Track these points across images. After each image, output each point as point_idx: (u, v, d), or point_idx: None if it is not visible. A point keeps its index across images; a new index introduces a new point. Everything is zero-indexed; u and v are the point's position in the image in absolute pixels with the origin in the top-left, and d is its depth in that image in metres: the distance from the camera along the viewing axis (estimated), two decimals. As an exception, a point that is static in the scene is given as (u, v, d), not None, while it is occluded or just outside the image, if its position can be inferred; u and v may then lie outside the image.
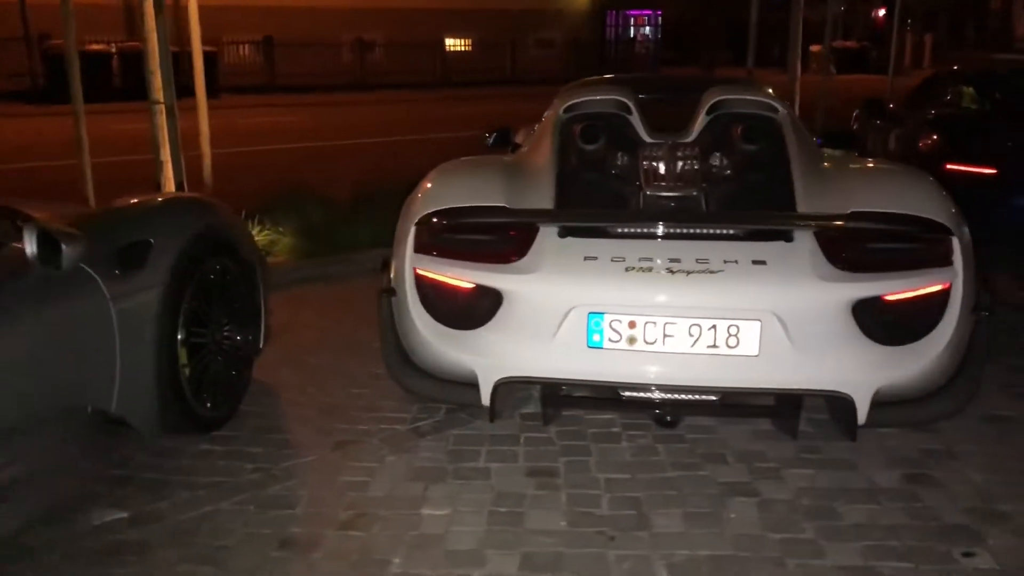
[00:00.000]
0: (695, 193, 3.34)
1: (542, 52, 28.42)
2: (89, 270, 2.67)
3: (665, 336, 2.80)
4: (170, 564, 2.53)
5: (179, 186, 5.58)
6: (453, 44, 26.97)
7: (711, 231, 2.89)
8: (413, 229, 3.12)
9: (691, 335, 2.79)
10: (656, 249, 2.86)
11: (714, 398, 2.86)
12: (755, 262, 2.80)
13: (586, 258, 2.86)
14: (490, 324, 2.96)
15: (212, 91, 20.16)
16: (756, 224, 2.91)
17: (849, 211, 2.97)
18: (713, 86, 4.21)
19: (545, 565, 2.53)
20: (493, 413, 3.01)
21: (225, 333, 3.40)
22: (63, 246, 2.46)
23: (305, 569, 2.52)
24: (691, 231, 2.90)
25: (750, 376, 2.79)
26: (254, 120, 15.43)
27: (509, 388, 3.03)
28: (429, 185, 3.37)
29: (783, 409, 2.94)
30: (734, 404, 2.96)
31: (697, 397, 2.86)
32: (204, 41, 21.34)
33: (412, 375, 3.14)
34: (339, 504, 2.85)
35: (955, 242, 2.93)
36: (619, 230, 2.94)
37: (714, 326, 2.78)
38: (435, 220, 3.08)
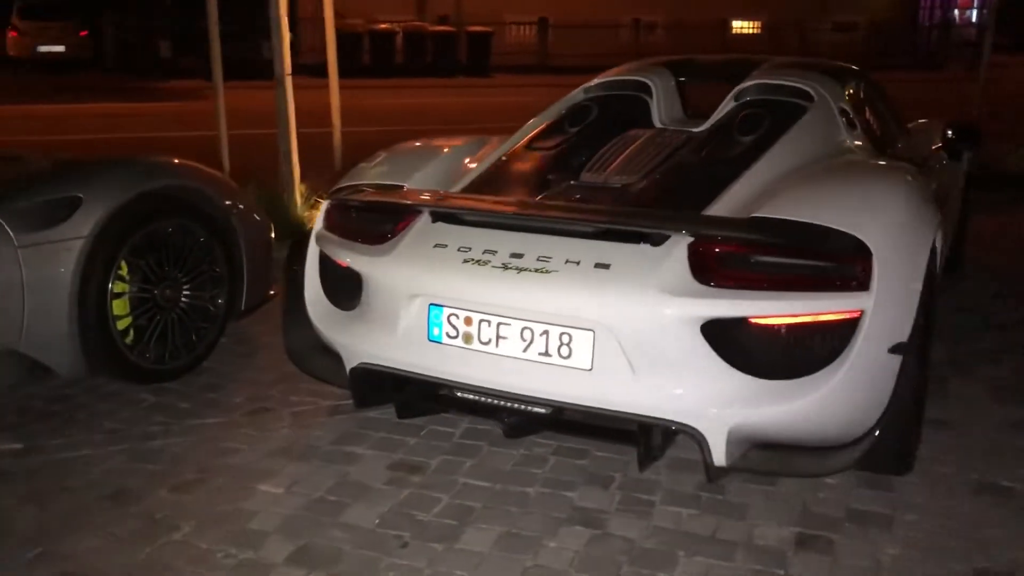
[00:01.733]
0: (619, 185, 2.98)
1: (840, 36, 26.45)
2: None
3: (499, 337, 2.54)
4: (7, 497, 2.73)
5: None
6: (740, 26, 25.96)
7: (571, 228, 2.56)
8: (325, 204, 3.09)
9: (523, 339, 2.51)
10: (506, 242, 2.59)
11: (543, 411, 2.55)
12: (598, 265, 2.45)
13: (435, 246, 2.67)
14: (357, 307, 2.87)
15: (483, 70, 21.32)
16: (607, 223, 2.53)
17: (750, 216, 2.51)
18: (764, 67, 3.76)
19: (316, 559, 2.42)
20: (357, 400, 2.90)
21: (185, 292, 3.57)
22: None
23: (104, 521, 2.60)
24: (553, 226, 2.59)
25: (582, 392, 2.45)
26: (513, 99, 15.78)
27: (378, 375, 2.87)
28: (367, 161, 3.32)
29: (627, 435, 2.54)
30: (571, 421, 2.61)
31: (527, 408, 2.56)
32: (483, 22, 22.46)
33: (298, 352, 3.12)
34: (193, 467, 2.92)
35: (875, 263, 2.37)
36: (487, 220, 2.70)
37: (546, 332, 2.48)
38: (339, 197, 3.03)
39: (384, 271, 2.72)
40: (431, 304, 2.63)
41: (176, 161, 3.68)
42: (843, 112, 3.50)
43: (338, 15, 21.72)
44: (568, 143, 3.42)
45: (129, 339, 3.38)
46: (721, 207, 2.63)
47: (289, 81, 5.98)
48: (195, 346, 3.64)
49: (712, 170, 2.94)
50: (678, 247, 2.43)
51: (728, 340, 2.38)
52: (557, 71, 21.89)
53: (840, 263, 2.38)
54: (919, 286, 2.51)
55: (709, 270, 2.40)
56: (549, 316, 2.46)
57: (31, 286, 3.02)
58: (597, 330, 2.41)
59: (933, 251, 2.68)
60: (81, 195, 3.19)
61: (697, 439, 2.39)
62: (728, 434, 2.37)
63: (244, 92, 10.75)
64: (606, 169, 3.10)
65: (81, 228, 3.16)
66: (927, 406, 3.14)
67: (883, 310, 2.36)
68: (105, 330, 3.26)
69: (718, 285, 2.37)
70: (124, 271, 3.34)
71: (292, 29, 21.94)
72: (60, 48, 20.18)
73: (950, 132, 4.49)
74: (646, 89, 3.78)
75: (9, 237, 2.97)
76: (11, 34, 20.26)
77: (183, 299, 3.57)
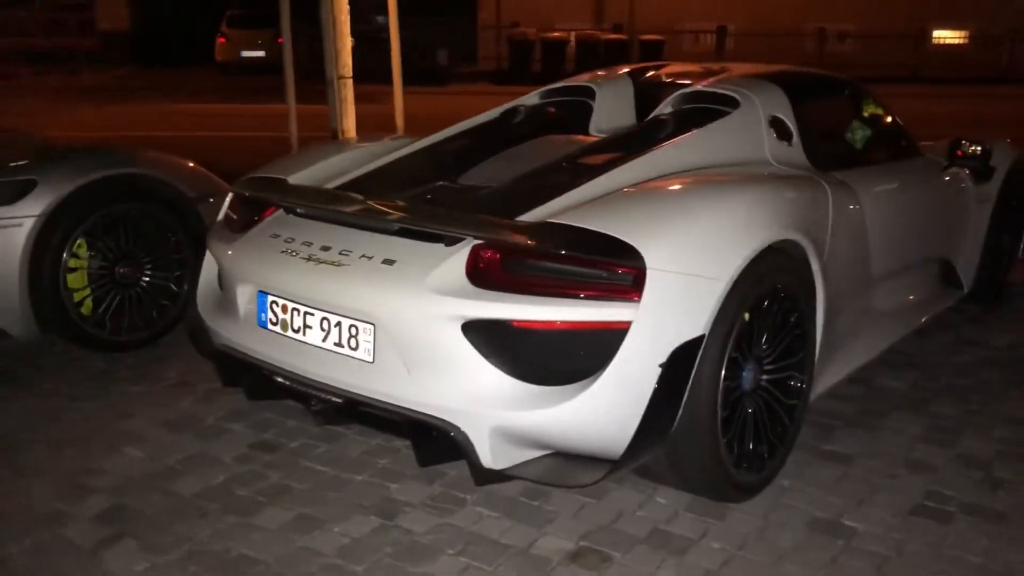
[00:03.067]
0: (479, 187, 2.99)
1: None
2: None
3: (305, 326, 2.64)
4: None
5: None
6: (941, 36, 24.16)
7: (377, 224, 2.61)
8: (228, 196, 3.30)
9: (323, 329, 2.59)
10: (324, 235, 2.69)
11: (338, 400, 2.61)
12: (385, 261, 2.49)
13: (271, 236, 2.81)
14: (222, 292, 3.06)
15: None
16: (402, 222, 2.54)
17: (540, 221, 2.47)
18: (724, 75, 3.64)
19: (118, 518, 2.62)
20: (221, 379, 3.08)
21: (146, 272, 3.91)
22: None
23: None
24: (365, 222, 2.65)
25: (366, 384, 2.49)
26: None
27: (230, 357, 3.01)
28: (283, 158, 3.51)
29: (414, 431, 2.55)
30: (362, 412, 2.64)
31: (324, 395, 2.63)
32: (660, 30, 22.19)
33: (191, 332, 3.32)
34: (84, 427, 3.22)
35: (648, 274, 2.28)
36: (314, 214, 2.80)
37: (339, 323, 2.55)
38: (231, 188, 3.24)
39: (228, 258, 2.89)
40: (259, 291, 2.77)
41: (139, 151, 4.03)
42: (774, 122, 3.31)
43: (512, 23, 22.27)
44: (473, 144, 3.45)
45: (86, 309, 3.75)
46: (542, 212, 2.59)
47: (349, 84, 6.26)
48: (156, 322, 3.97)
49: (571, 175, 2.89)
50: (464, 249, 2.44)
51: (493, 342, 2.36)
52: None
53: (611, 272, 2.30)
54: (713, 303, 2.37)
55: (481, 272, 2.39)
56: (341, 308, 2.54)
57: (-17, 258, 3.44)
58: (377, 324, 2.47)
59: (763, 271, 2.52)
60: (36, 179, 3.58)
61: (459, 439, 2.38)
62: (491, 435, 2.35)
63: (420, 98, 11.34)
64: (483, 171, 3.12)
65: (34, 208, 3.55)
66: (830, 437, 3.10)
67: (649, 321, 2.27)
68: (57, 299, 3.64)
69: (487, 287, 2.36)
70: (83, 248, 3.71)
71: (472, 38, 22.79)
72: (261, 53, 21.94)
73: (973, 149, 4.10)
74: (591, 95, 3.74)
75: (-33, 214, 3.40)
76: (220, 41, 22.28)
77: (144, 278, 3.91)
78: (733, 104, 3.34)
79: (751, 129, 3.26)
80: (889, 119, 4.07)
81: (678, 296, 2.33)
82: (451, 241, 2.48)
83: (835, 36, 23.24)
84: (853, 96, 3.97)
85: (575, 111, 3.73)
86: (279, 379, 2.74)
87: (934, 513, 2.69)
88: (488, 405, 2.34)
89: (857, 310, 3.31)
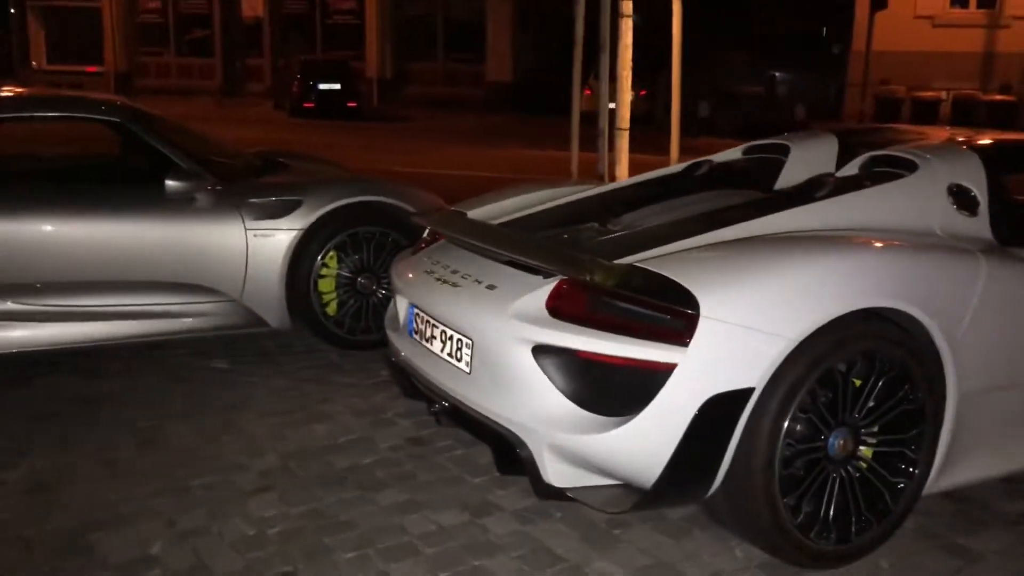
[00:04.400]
0: (613, 230, 3.20)
1: None
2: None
3: (432, 337, 3.04)
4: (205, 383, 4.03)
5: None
6: None
7: (496, 254, 2.95)
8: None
9: (442, 340, 2.97)
10: (460, 260, 3.07)
11: (445, 403, 2.94)
12: (489, 286, 2.81)
13: (428, 258, 3.25)
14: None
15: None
16: (510, 253, 2.84)
17: (625, 264, 2.65)
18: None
19: (273, 477, 3.22)
20: (391, 377, 3.58)
21: (383, 285, 4.60)
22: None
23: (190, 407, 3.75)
24: (491, 251, 2.99)
25: (465, 392, 2.82)
26: None
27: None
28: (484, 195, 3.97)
29: (493, 440, 2.79)
30: (462, 417, 2.91)
31: (437, 398, 2.98)
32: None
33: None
34: (280, 402, 3.91)
35: (701, 321, 2.38)
36: (458, 242, 3.20)
37: (451, 336, 2.91)
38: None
39: (395, 275, 3.40)
40: (410, 304, 3.23)
41: (387, 182, 4.72)
42: (956, 190, 3.14)
43: (883, 81, 21.23)
44: (646, 193, 3.65)
45: (331, 310, 4.51)
46: (643, 255, 2.75)
47: (625, 135, 6.62)
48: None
49: (704, 224, 3.00)
50: (553, 282, 2.71)
51: (560, 368, 2.59)
52: None
53: (665, 315, 2.44)
54: (771, 358, 2.40)
55: (557, 303, 2.63)
56: (453, 323, 2.91)
57: (253, 258, 4.30)
58: (474, 340, 2.80)
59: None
60: (302, 199, 4.39)
61: (523, 453, 2.63)
62: (548, 452, 2.58)
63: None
64: (635, 217, 3.33)
65: (298, 222, 4.36)
66: (972, 532, 2.93)
67: (702, 368, 2.37)
68: (308, 299, 4.42)
69: (559, 317, 2.60)
70: (333, 259, 4.47)
71: (838, 95, 22.04)
72: (622, 105, 23.07)
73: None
74: (786, 152, 3.76)
75: (241, 222, 4.28)
76: (586, 92, 23.76)
77: (380, 290, 4.59)
78: (911, 168, 3.22)
79: (922, 195, 3.12)
80: None
81: (730, 346, 2.40)
82: (548, 274, 2.75)
83: None
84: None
85: (766, 167, 3.76)
86: (415, 380, 3.17)
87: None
88: (548, 424, 2.57)
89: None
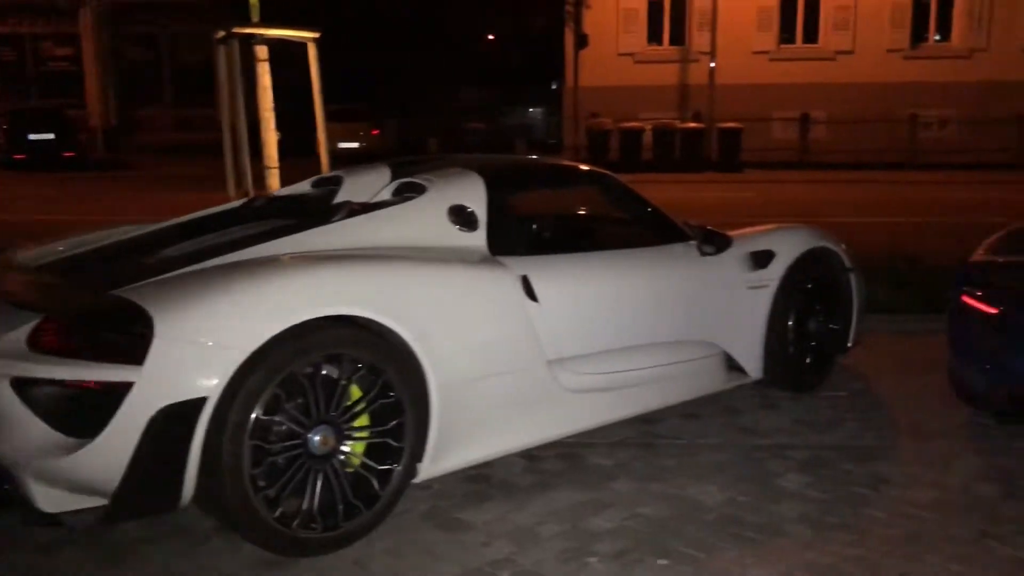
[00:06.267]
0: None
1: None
2: None
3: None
4: None
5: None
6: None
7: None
8: None
9: None
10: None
11: None
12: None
13: None
14: None
15: (734, 166, 21.06)
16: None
17: (101, 293, 2.83)
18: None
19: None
20: None
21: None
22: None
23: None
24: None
25: None
26: (739, 195, 15.59)
27: None
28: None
29: None
30: None
31: None
32: (745, 118, 22.09)
33: None
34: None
35: (154, 341, 2.60)
36: None
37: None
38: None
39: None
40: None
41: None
42: (455, 210, 3.56)
43: (593, 114, 22.80)
44: (195, 229, 3.86)
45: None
46: (137, 285, 2.94)
47: (275, 173, 6.84)
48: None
49: (209, 252, 3.23)
50: (39, 317, 2.84)
51: (39, 397, 2.72)
52: (816, 167, 21.09)
53: (122, 337, 2.64)
54: (224, 370, 2.65)
55: (38, 335, 2.78)
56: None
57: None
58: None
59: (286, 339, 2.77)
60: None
61: (11, 487, 2.73)
62: (33, 479, 2.68)
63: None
64: (170, 251, 3.52)
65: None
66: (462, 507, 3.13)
67: (157, 383, 2.58)
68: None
69: (36, 349, 2.74)
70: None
71: (557, 128, 23.26)
72: (356, 144, 23.39)
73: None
74: (339, 183, 4.08)
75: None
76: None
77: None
78: (421, 191, 3.63)
79: (425, 215, 3.53)
80: (637, 207, 4.20)
81: (184, 361, 2.62)
82: (37, 310, 2.88)
83: (925, 123, 22.53)
84: (593, 186, 4.15)
85: (321, 198, 4.08)
86: None
87: None
88: (30, 453, 2.69)
89: (530, 387, 3.45)
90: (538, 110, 28.76)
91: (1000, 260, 3.96)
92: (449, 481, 3.47)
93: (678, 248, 4.15)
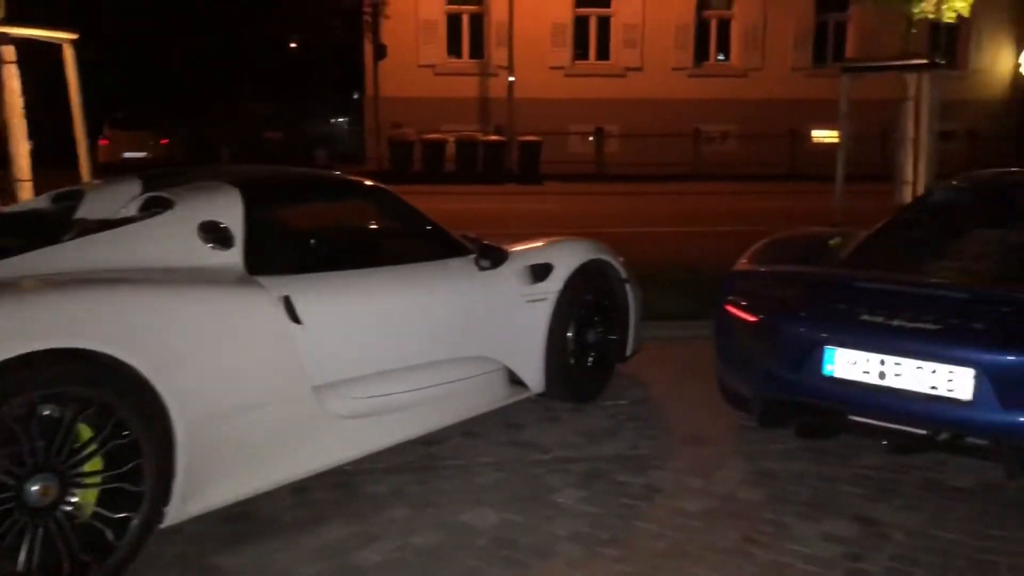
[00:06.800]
0: None
1: (943, 146, 24.81)
2: None
3: None
4: None
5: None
6: (820, 136, 25.00)
7: None
8: None
9: None
10: None
11: None
12: None
13: None
14: None
15: (534, 178, 21.46)
16: None
17: None
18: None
19: None
20: None
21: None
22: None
23: None
24: None
25: None
26: (539, 207, 15.73)
27: None
28: None
29: None
30: None
31: None
32: (545, 131, 22.45)
33: None
34: None
35: None
36: None
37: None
38: None
39: None
40: None
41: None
42: (207, 227, 3.28)
43: (395, 125, 22.53)
44: None
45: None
46: None
47: (27, 186, 6.20)
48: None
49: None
50: None
51: None
52: (612, 179, 21.86)
53: None
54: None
55: None
56: None
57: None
58: None
59: None
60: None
61: None
62: None
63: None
64: None
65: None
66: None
67: None
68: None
69: None
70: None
71: (360, 139, 22.83)
72: (143, 154, 22.09)
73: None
74: (80, 198, 3.70)
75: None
76: (102, 142, 22.39)
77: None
78: (169, 206, 3.32)
79: (171, 232, 3.23)
80: (412, 221, 4.07)
81: None
82: None
83: (718, 137, 23.96)
84: (366, 199, 3.98)
85: (61, 213, 3.68)
86: None
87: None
88: None
89: (295, 416, 3.23)
90: (341, 120, 28.32)
91: (761, 269, 4.12)
92: (208, 521, 3.17)
93: (455, 263, 4.04)
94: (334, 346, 3.41)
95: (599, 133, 22.96)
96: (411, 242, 4.08)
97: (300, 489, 3.48)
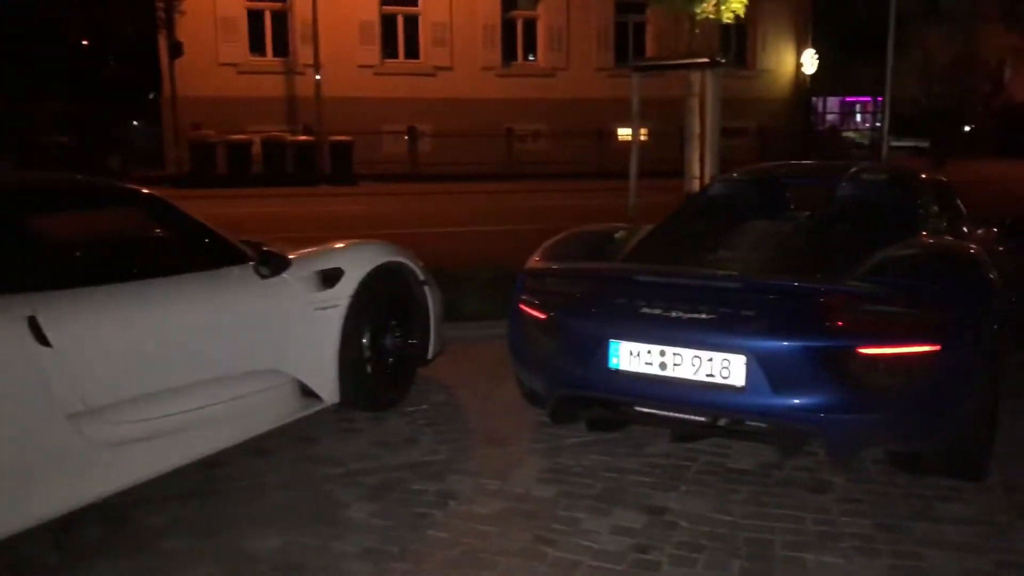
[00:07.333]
0: None
1: (734, 142, 26.39)
2: None
3: None
4: None
5: None
6: (625, 135, 25.95)
7: None
8: None
9: None
10: None
11: None
12: None
13: None
14: None
15: (348, 179, 21.05)
16: None
17: None
18: None
19: None
20: None
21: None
22: None
23: None
24: None
25: None
26: (351, 208, 15.34)
27: None
28: None
29: None
30: None
31: None
32: (356, 131, 22.01)
33: None
34: None
35: None
36: None
37: None
38: None
39: None
40: None
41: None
42: None
43: (195, 126, 21.52)
44: None
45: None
46: None
47: None
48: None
49: None
50: None
51: None
52: (426, 179, 21.78)
53: None
54: None
55: None
56: None
57: None
58: None
59: None
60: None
61: None
62: None
63: None
64: None
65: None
66: None
67: None
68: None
69: None
70: None
71: (159, 144, 21.58)
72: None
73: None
74: None
75: None
76: None
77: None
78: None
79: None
80: (185, 228, 3.81)
81: None
82: None
83: (530, 136, 24.37)
84: (130, 205, 3.70)
85: None
86: None
87: None
88: None
89: (44, 448, 2.93)
90: (137, 123, 26.73)
91: (552, 266, 4.13)
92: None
93: (234, 272, 3.81)
94: (93, 369, 3.12)
95: (412, 132, 22.83)
96: (184, 251, 3.81)
97: (62, 527, 3.17)
